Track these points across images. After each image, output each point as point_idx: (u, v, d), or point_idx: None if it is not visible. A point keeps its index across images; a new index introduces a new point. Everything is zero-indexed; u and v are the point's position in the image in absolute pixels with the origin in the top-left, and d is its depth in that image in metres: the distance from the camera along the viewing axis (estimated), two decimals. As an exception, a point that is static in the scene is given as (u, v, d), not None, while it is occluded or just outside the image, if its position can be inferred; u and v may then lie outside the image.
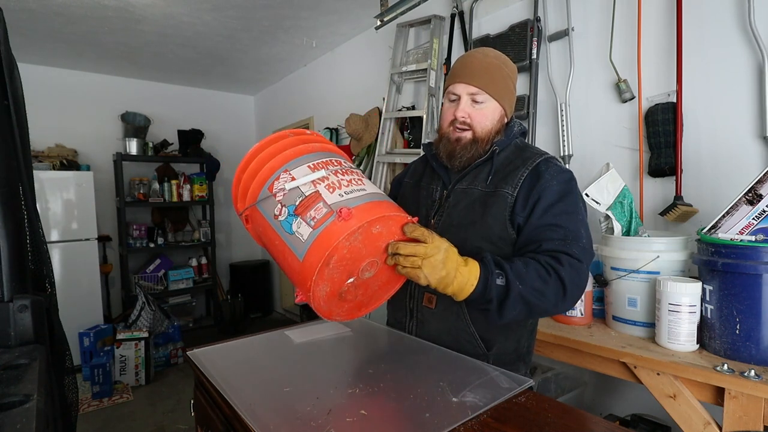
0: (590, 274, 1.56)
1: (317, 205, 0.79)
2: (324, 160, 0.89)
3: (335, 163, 0.90)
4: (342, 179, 0.85)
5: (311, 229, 0.78)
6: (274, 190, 0.85)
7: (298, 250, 0.79)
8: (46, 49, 3.46)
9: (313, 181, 0.83)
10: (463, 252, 0.89)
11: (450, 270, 0.83)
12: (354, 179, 0.87)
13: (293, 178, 0.84)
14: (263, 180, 0.88)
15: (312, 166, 0.87)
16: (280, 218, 0.83)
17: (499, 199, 1.00)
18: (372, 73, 3.32)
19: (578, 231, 0.94)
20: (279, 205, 0.83)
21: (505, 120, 1.08)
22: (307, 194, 0.81)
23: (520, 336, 1.06)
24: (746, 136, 1.52)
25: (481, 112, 1.03)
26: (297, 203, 0.81)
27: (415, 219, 0.88)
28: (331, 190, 0.82)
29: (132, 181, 4.17)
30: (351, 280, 0.86)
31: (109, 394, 3.00)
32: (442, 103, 1.11)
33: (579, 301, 1.52)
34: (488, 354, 1.02)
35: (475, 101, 1.02)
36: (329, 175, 0.85)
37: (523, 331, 1.07)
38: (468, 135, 1.03)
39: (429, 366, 0.92)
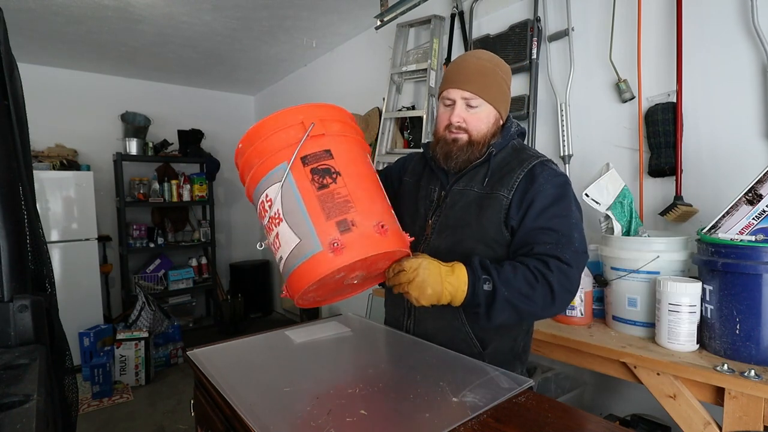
0: (590, 274, 1.56)
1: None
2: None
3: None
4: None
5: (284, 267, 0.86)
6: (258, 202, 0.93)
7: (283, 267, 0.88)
8: (46, 49, 3.46)
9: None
10: (457, 252, 0.90)
11: (435, 286, 0.87)
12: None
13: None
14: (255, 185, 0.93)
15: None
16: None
17: (494, 201, 1.01)
18: (372, 73, 3.31)
19: (571, 235, 0.95)
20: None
21: (501, 122, 1.09)
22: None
23: (516, 336, 1.07)
24: (746, 136, 1.52)
25: (476, 117, 1.03)
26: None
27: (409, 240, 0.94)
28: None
29: (132, 181, 4.16)
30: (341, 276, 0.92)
31: (109, 394, 2.99)
32: (438, 107, 1.11)
33: (579, 301, 1.53)
34: (483, 353, 1.02)
35: (469, 106, 1.03)
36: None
37: (519, 330, 1.07)
38: (464, 137, 1.04)
39: (429, 366, 0.92)
